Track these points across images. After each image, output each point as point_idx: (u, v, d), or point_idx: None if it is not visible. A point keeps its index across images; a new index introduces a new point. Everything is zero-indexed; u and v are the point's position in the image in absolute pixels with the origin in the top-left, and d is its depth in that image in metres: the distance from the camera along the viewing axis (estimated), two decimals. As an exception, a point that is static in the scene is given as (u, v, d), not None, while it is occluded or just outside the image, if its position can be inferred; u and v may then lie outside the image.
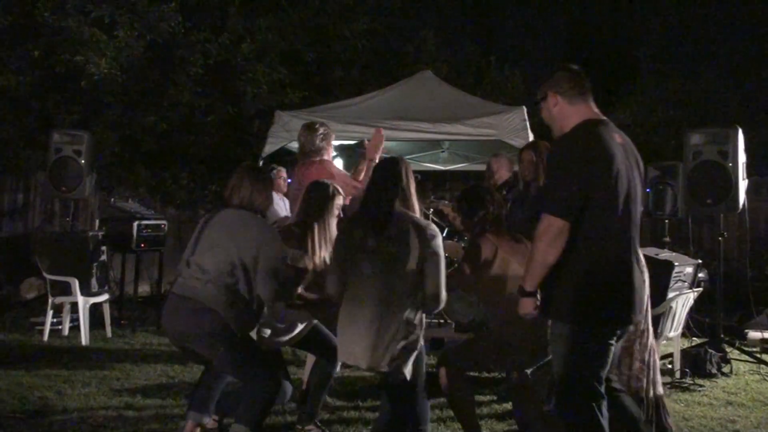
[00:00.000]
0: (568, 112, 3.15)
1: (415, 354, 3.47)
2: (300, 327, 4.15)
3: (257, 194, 3.80)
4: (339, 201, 4.14)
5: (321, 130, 5.09)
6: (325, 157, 5.08)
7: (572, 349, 2.98)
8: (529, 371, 3.90)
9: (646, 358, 4.20)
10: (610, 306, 3.00)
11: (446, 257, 8.69)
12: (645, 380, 4.17)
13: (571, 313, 2.98)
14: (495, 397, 5.27)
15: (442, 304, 3.46)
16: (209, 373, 3.96)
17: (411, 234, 3.40)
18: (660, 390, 4.31)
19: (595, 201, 2.94)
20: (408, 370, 3.43)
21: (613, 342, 3.06)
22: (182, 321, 3.63)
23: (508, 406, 5.04)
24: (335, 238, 3.77)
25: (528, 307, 3.13)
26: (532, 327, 3.55)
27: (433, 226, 3.52)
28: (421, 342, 3.52)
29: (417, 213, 3.53)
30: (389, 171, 3.56)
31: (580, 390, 3.00)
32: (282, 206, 6.61)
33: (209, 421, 4.05)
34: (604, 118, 3.17)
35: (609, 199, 2.96)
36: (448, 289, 3.54)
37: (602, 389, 3.03)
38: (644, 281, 3.31)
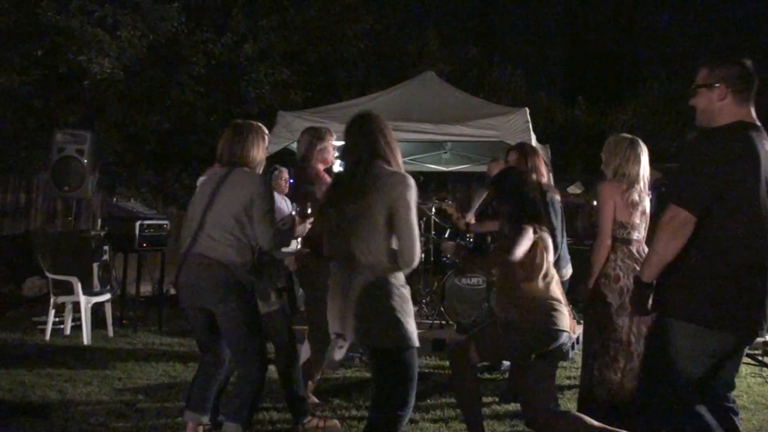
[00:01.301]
0: (729, 111, 2.93)
1: (392, 321, 3.10)
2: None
3: (253, 149, 3.89)
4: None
5: (305, 137, 5.03)
6: (313, 163, 4.98)
7: (694, 351, 2.86)
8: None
9: None
10: (746, 312, 2.85)
11: (447, 257, 8.68)
12: None
13: (703, 314, 2.82)
14: (496, 398, 5.26)
15: (416, 262, 3.12)
16: (203, 372, 3.96)
17: (378, 186, 3.12)
18: None
19: (735, 200, 2.81)
20: (387, 340, 3.10)
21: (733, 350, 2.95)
22: (196, 275, 3.72)
23: (510, 407, 5.05)
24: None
25: (644, 301, 2.98)
26: (546, 317, 3.61)
27: (406, 176, 3.17)
28: (404, 309, 3.12)
29: (397, 167, 3.21)
30: (358, 127, 3.30)
31: (685, 394, 2.89)
32: (285, 206, 6.61)
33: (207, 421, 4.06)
34: (759, 124, 2.96)
35: (749, 201, 2.82)
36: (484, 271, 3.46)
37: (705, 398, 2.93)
38: None
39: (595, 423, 3.70)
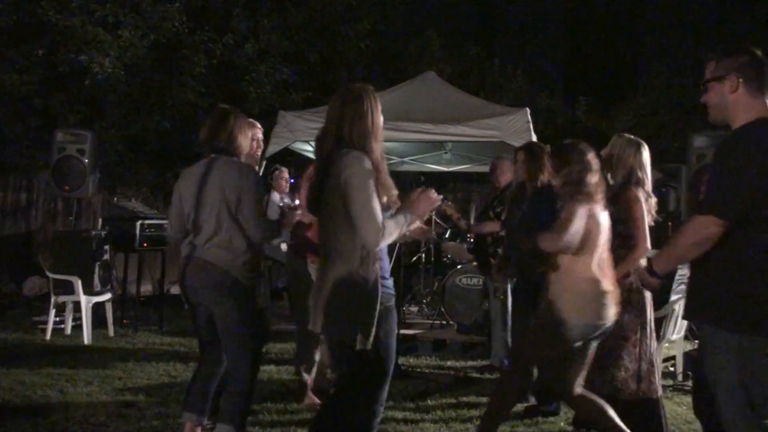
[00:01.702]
0: (745, 104, 2.76)
1: (343, 318, 2.93)
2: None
3: (239, 136, 3.79)
4: None
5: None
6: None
7: (738, 361, 2.65)
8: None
9: (655, 360, 4.19)
10: None
11: (448, 258, 8.64)
12: (656, 382, 4.15)
13: (747, 323, 2.64)
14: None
15: (380, 242, 2.91)
16: (203, 372, 3.95)
17: (332, 172, 2.95)
18: (660, 392, 4.30)
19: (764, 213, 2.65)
20: (359, 339, 2.90)
21: None
22: (195, 276, 3.70)
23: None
24: None
25: (652, 286, 2.97)
26: (594, 314, 3.63)
27: (356, 154, 2.95)
28: (363, 307, 2.92)
29: (362, 146, 2.99)
30: (330, 109, 3.11)
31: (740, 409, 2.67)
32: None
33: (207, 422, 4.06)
34: None
35: None
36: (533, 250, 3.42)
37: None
38: None
39: (615, 418, 3.72)
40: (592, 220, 3.71)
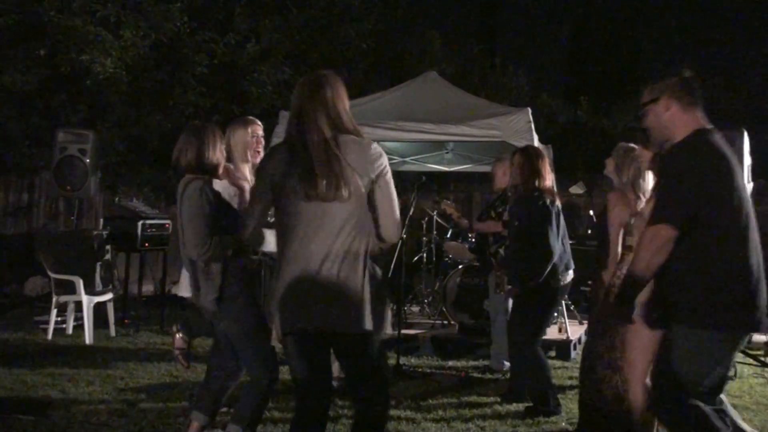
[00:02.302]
0: (679, 120, 3.04)
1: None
2: None
3: (209, 151, 3.65)
4: None
5: None
6: None
7: (702, 354, 2.95)
8: None
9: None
10: (740, 310, 2.93)
11: (449, 258, 8.65)
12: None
13: (708, 317, 2.90)
14: (497, 399, 5.25)
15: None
16: (221, 378, 3.94)
17: None
18: None
19: (719, 209, 2.91)
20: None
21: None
22: (194, 293, 3.67)
23: (511, 407, 5.04)
24: None
25: (628, 315, 3.06)
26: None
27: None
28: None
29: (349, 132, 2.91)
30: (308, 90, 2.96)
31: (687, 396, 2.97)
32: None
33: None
34: (713, 127, 3.07)
35: (732, 206, 2.92)
36: None
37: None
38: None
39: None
40: None
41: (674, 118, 3.05)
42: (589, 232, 8.75)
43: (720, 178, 2.93)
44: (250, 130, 4.19)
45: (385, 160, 2.90)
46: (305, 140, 2.86)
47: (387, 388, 3.11)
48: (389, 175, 2.91)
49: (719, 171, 2.93)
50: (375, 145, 2.94)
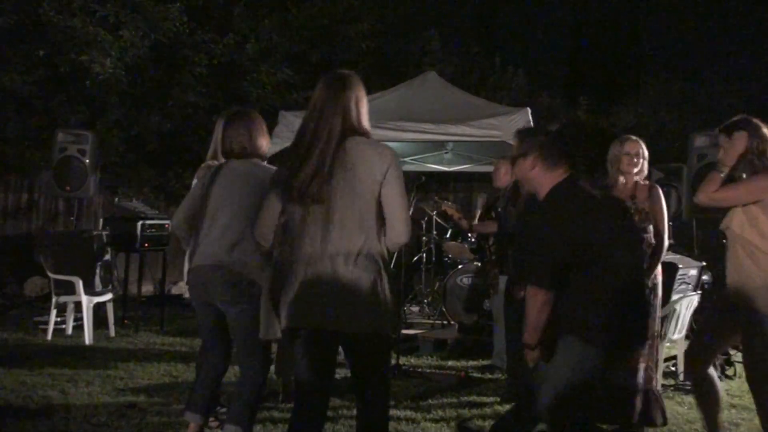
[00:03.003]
0: (544, 177, 3.21)
1: None
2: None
3: (259, 137, 3.78)
4: None
5: None
6: None
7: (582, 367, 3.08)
8: None
9: (654, 355, 4.27)
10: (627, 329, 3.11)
11: (449, 258, 8.65)
12: (655, 377, 4.25)
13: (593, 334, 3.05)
14: (497, 399, 5.25)
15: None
16: (207, 374, 3.94)
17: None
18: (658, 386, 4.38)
19: (587, 256, 3.03)
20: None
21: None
22: (209, 275, 3.64)
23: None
24: None
25: (537, 357, 3.19)
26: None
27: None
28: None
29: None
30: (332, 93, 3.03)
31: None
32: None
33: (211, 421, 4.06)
34: (575, 176, 3.22)
35: (599, 253, 3.05)
36: None
37: None
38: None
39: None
40: None
41: (538, 176, 3.22)
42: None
43: (585, 228, 3.04)
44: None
45: (395, 162, 2.92)
46: (314, 138, 2.91)
47: (389, 389, 3.11)
48: (400, 177, 2.92)
49: (582, 222, 3.05)
50: (386, 146, 2.98)
